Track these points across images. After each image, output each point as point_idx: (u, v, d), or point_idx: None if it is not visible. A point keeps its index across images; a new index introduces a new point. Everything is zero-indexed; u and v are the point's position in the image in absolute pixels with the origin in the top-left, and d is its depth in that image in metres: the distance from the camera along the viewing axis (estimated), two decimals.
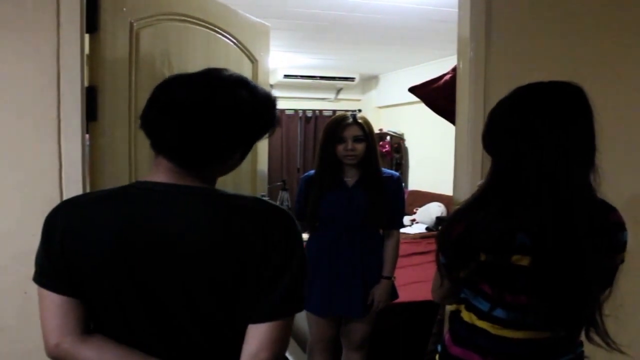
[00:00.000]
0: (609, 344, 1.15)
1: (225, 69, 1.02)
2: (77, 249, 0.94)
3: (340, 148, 2.19)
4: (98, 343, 0.96)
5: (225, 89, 0.97)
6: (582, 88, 1.16)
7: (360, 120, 2.21)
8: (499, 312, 1.20)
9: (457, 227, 1.18)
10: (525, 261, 1.13)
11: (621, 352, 1.14)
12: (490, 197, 1.17)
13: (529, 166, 1.12)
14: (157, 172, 0.99)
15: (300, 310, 0.98)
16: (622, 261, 1.21)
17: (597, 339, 1.16)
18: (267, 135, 1.05)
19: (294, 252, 0.96)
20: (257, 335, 0.93)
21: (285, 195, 4.92)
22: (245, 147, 1.04)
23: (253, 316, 0.94)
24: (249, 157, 2.47)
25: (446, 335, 1.33)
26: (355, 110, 2.72)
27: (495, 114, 1.22)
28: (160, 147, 0.98)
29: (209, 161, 0.99)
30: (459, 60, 2.00)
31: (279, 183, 5.18)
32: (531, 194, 1.11)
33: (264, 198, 1.24)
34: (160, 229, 0.93)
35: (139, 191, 0.98)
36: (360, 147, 2.18)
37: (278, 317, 0.94)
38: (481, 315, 1.23)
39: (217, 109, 0.94)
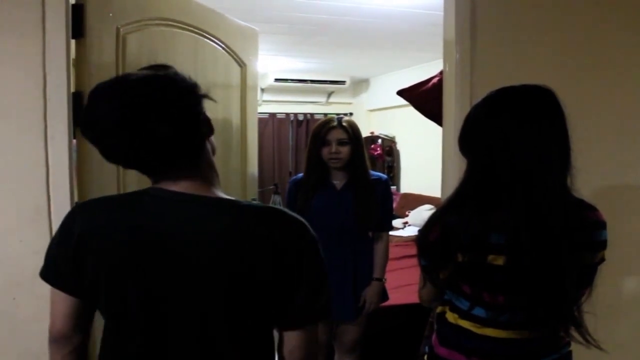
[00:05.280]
0: (588, 340, 1.16)
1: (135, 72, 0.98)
2: (92, 254, 0.96)
3: (325, 151, 2.21)
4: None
5: (144, 86, 0.94)
6: (552, 90, 1.18)
7: (345, 124, 2.23)
8: (478, 311, 1.22)
9: (434, 229, 1.21)
10: (500, 260, 1.15)
11: (600, 348, 1.15)
12: (465, 198, 1.19)
13: (501, 167, 1.14)
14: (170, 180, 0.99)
15: (325, 317, 1.02)
16: (603, 259, 1.22)
17: (576, 335, 1.18)
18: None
19: (310, 259, 0.99)
20: (287, 341, 1.00)
21: (277, 198, 4.91)
22: (202, 131, 1.00)
23: (281, 322, 1.00)
24: (239, 159, 2.48)
25: (433, 336, 1.35)
26: (344, 114, 2.73)
27: (469, 117, 1.25)
28: (125, 163, 0.99)
29: (183, 156, 0.97)
30: (444, 62, 2.00)
31: (271, 187, 5.18)
32: (504, 194, 1.13)
33: (254, 201, 1.24)
34: (175, 237, 0.94)
35: (154, 199, 0.98)
36: (344, 150, 2.20)
37: (304, 325, 0.99)
38: (462, 315, 1.25)
39: (151, 103, 0.91)
